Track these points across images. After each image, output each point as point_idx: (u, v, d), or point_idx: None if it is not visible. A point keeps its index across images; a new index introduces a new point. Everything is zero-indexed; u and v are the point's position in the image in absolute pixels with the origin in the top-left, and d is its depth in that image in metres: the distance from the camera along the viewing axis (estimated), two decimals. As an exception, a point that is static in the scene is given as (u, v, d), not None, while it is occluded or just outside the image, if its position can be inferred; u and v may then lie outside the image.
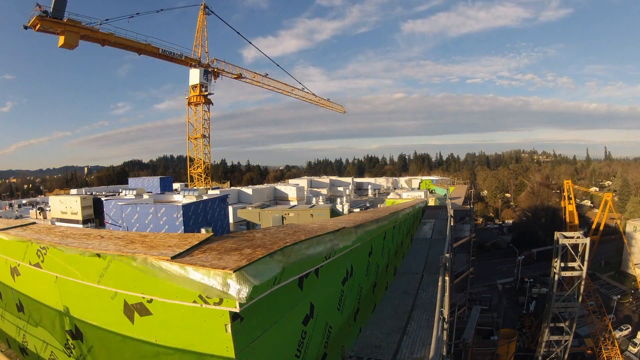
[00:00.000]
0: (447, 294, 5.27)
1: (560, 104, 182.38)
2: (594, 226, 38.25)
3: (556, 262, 23.67)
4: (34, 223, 4.95)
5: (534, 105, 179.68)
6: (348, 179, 60.31)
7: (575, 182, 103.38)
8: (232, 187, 54.16)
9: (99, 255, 3.02)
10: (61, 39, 31.49)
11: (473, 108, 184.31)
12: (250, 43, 51.98)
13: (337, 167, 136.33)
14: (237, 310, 2.43)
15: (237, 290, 2.36)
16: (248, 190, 41.31)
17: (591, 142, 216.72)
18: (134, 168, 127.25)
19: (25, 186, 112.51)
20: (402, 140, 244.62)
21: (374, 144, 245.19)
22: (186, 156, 44.24)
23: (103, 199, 28.55)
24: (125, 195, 33.16)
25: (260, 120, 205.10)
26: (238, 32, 47.94)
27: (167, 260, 2.57)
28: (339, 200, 39.34)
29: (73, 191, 46.17)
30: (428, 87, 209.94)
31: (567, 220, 36.78)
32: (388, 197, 35.13)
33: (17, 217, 28.96)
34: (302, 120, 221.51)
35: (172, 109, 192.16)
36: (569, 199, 36.85)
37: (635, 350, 32.48)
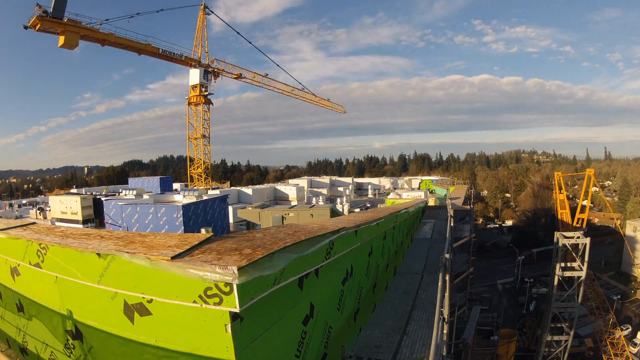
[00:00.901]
0: (447, 294, 5.27)
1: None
2: (580, 202, 37.94)
3: (556, 262, 23.68)
4: (34, 223, 4.95)
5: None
6: (348, 179, 60.28)
7: (575, 183, 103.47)
8: (232, 187, 54.11)
9: (99, 255, 3.02)
10: (61, 39, 31.48)
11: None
12: (248, 41, 51.86)
13: (337, 167, 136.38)
14: (237, 310, 2.43)
15: (237, 290, 2.37)
16: (248, 190, 41.28)
17: (591, 142, 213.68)
18: (134, 168, 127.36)
19: (25, 186, 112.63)
20: (402, 137, 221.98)
21: (379, 142, 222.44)
22: (186, 156, 44.25)
23: (103, 199, 28.54)
24: (125, 195, 33.17)
25: (254, 114, 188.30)
26: (237, 32, 48.01)
27: (167, 260, 2.57)
28: (339, 200, 39.33)
29: (73, 191, 46.19)
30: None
31: (558, 210, 36.70)
32: (388, 197, 35.09)
33: (17, 217, 28.97)
34: (301, 114, 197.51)
35: (148, 99, 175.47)
36: (560, 189, 36.86)
37: (635, 350, 32.46)
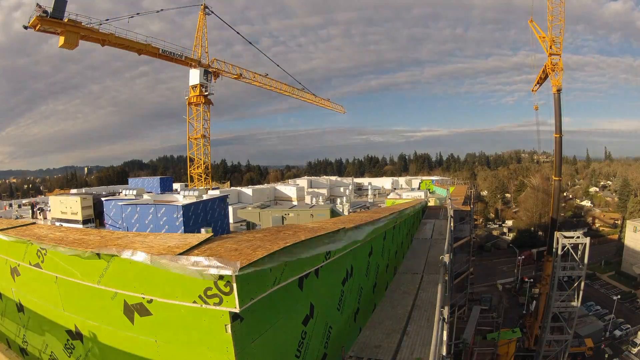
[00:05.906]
0: (447, 294, 5.27)
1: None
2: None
3: (556, 261, 23.67)
4: (34, 223, 4.95)
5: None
6: (348, 179, 60.29)
7: (575, 183, 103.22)
8: (232, 187, 54.11)
9: (99, 255, 3.01)
10: (61, 39, 31.42)
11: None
12: (248, 41, 51.79)
13: (337, 167, 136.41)
14: (237, 310, 2.43)
15: (237, 290, 2.37)
16: (248, 190, 41.30)
17: (591, 141, 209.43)
18: (134, 168, 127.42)
19: (25, 186, 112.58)
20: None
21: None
22: (186, 156, 44.22)
23: (103, 199, 28.51)
24: (125, 195, 33.12)
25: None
26: (238, 32, 48.04)
27: (167, 260, 2.56)
28: (339, 200, 39.33)
29: (73, 191, 46.14)
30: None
31: None
32: (388, 197, 35.07)
33: (17, 217, 28.95)
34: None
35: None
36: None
37: (635, 350, 32.44)
